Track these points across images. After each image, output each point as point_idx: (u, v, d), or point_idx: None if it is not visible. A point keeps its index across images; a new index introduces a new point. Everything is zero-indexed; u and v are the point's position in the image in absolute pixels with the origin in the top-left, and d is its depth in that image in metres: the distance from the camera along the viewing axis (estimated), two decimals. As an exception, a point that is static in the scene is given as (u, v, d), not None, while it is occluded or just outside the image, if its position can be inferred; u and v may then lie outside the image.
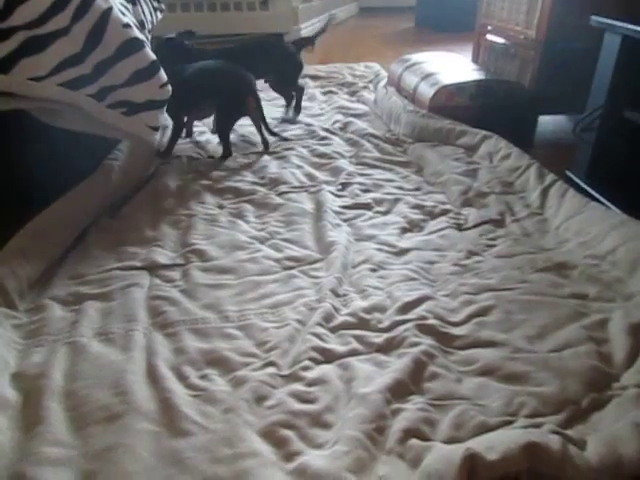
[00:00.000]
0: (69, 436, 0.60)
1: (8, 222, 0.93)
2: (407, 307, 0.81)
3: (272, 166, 1.35)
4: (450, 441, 0.59)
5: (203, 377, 0.70)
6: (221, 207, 1.15)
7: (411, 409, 0.63)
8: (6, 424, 0.61)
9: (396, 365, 0.70)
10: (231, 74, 1.37)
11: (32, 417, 0.62)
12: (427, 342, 0.73)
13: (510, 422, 0.61)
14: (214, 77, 1.37)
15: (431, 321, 0.78)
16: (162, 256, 0.97)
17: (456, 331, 0.77)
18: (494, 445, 0.55)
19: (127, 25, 1.04)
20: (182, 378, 0.69)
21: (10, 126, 1.03)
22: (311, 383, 0.68)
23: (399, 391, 0.66)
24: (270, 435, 0.61)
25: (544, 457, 0.54)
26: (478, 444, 0.56)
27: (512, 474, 0.54)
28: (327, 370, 0.70)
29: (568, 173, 1.26)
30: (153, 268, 0.94)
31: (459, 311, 0.81)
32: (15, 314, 0.80)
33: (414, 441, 0.59)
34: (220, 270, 0.93)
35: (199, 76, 1.37)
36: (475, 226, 1.06)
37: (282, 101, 1.82)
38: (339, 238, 1.00)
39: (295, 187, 1.24)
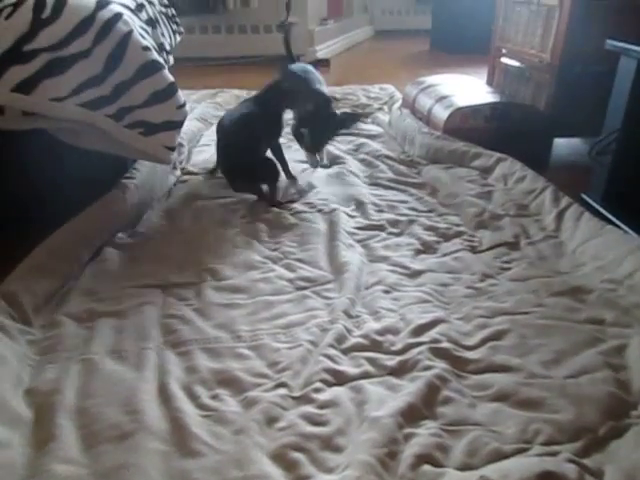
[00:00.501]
0: (80, 454, 0.60)
1: (25, 239, 0.95)
2: (420, 330, 0.80)
3: (286, 186, 1.36)
4: (463, 468, 0.58)
5: (214, 397, 0.69)
6: (235, 226, 1.16)
7: (424, 434, 0.62)
8: (18, 440, 0.61)
9: (409, 389, 0.69)
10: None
11: (44, 434, 0.63)
12: (440, 366, 0.72)
13: (525, 449, 0.60)
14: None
15: (445, 344, 0.77)
16: (176, 275, 0.97)
17: (470, 355, 0.76)
18: (509, 473, 0.54)
19: (147, 48, 1.07)
20: (193, 398, 0.69)
21: (27, 145, 1.06)
22: (322, 405, 0.68)
23: (412, 415, 0.65)
24: (280, 458, 0.60)
25: (560, 487, 0.53)
26: (492, 472, 0.55)
27: (527, 504, 0.53)
28: (339, 392, 0.70)
29: (584, 196, 1.25)
30: (167, 286, 0.94)
31: (473, 335, 0.80)
32: (30, 330, 0.81)
33: (426, 467, 0.58)
34: (233, 289, 0.93)
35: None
36: (490, 249, 1.05)
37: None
38: (352, 259, 1.00)
39: (309, 207, 1.25)
